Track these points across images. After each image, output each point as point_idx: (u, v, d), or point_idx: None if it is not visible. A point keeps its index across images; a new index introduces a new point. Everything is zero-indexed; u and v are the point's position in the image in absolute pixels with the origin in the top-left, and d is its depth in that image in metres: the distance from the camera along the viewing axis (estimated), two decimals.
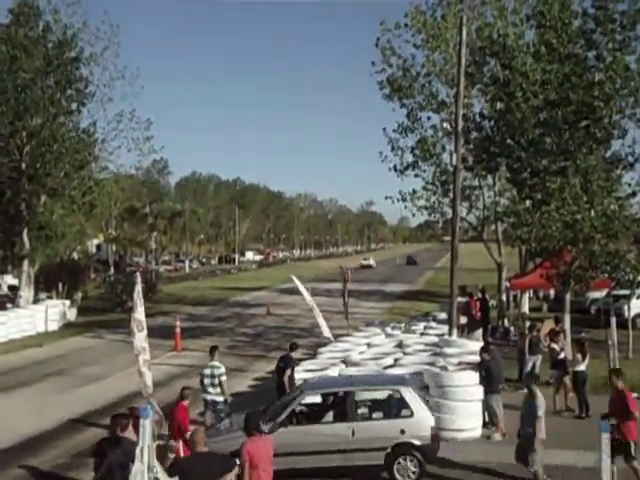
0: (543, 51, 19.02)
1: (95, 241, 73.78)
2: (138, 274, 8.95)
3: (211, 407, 12.53)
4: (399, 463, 10.46)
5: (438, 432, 11.13)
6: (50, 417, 15.36)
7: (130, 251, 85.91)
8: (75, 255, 53.08)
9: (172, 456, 7.36)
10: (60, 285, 38.60)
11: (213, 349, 13.31)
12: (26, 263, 32.85)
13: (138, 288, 8.20)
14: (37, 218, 32.50)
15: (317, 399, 11.65)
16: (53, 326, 31.00)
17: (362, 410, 11.07)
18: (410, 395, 10.74)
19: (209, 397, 12.53)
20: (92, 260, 59.28)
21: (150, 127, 33.87)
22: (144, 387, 8.00)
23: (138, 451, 6.94)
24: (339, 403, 10.99)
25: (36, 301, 33.66)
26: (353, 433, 10.31)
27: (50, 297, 36.21)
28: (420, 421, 10.74)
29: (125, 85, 32.54)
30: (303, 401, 10.94)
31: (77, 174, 32.96)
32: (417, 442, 10.53)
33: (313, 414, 11.04)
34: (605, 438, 6.50)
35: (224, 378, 12.52)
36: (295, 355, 14.18)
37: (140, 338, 7.89)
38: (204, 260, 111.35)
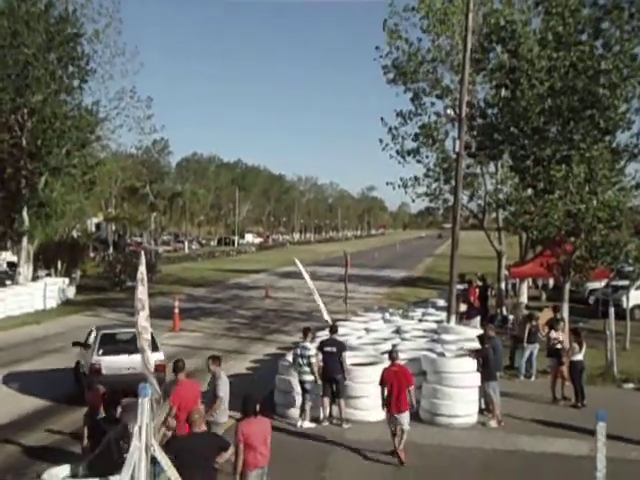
0: (550, 38, 18.86)
1: (95, 220, 73.73)
2: (142, 253, 8.90)
3: (300, 387, 12.93)
4: None
5: None
6: (47, 394, 15.40)
7: (130, 231, 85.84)
8: (74, 233, 53.08)
9: (169, 434, 7.37)
10: (59, 263, 38.62)
11: (306, 330, 13.56)
12: (25, 240, 32.87)
13: (142, 268, 8.17)
14: (37, 195, 32.45)
15: None
16: (52, 304, 31.07)
17: None
18: None
19: (299, 377, 12.93)
20: (91, 239, 59.23)
21: (151, 105, 33.91)
22: (144, 366, 8.02)
23: (136, 429, 6.94)
24: None
25: (35, 278, 33.73)
26: None
27: (49, 275, 36.29)
28: None
29: (125, 62, 32.50)
30: None
31: (78, 152, 32.88)
32: None
33: None
34: (601, 427, 6.50)
35: (314, 360, 12.74)
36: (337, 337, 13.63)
37: (142, 317, 7.89)
38: (203, 241, 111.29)
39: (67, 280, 34.90)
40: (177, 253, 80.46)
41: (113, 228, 77.34)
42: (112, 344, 15.13)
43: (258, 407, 8.02)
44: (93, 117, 32.79)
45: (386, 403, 11.03)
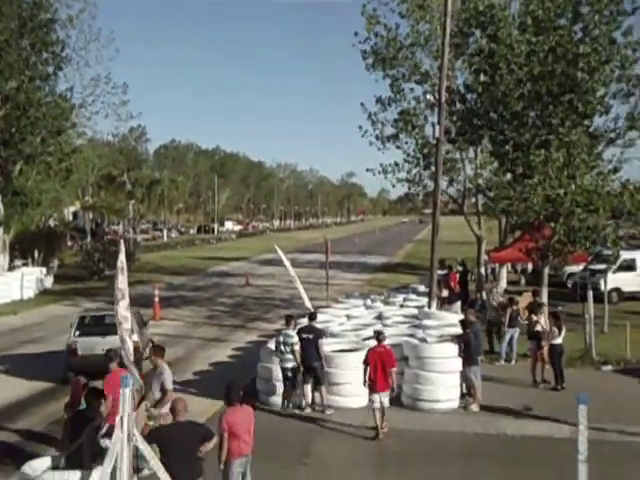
0: (529, 23, 18.89)
1: (72, 208, 72.86)
2: (122, 242, 8.76)
3: (282, 374, 12.98)
4: None
5: None
6: (26, 384, 15.23)
7: (108, 219, 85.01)
8: (51, 222, 52.43)
9: (151, 424, 7.30)
10: (36, 252, 38.13)
11: (289, 318, 13.67)
12: (1, 230, 32.38)
13: (122, 257, 8.05)
14: (12, 184, 31.95)
15: None
16: (29, 293, 30.69)
17: None
18: None
19: (281, 364, 12.96)
20: (69, 227, 58.51)
21: (127, 91, 33.53)
22: (125, 356, 7.92)
23: (118, 420, 6.87)
24: None
25: (11, 268, 33.27)
26: None
27: (26, 264, 35.78)
28: None
29: (100, 48, 32.07)
30: None
31: (54, 140, 32.39)
32: None
33: None
34: (582, 409, 6.53)
35: (297, 347, 12.79)
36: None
37: (122, 307, 7.77)
38: (183, 229, 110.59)
39: (44, 270, 34.49)
40: (156, 241, 79.87)
41: (90, 217, 76.49)
42: (88, 326, 15.86)
43: (241, 395, 7.98)
44: (68, 104, 32.32)
45: (369, 382, 11.61)
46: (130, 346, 8.11)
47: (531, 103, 19.27)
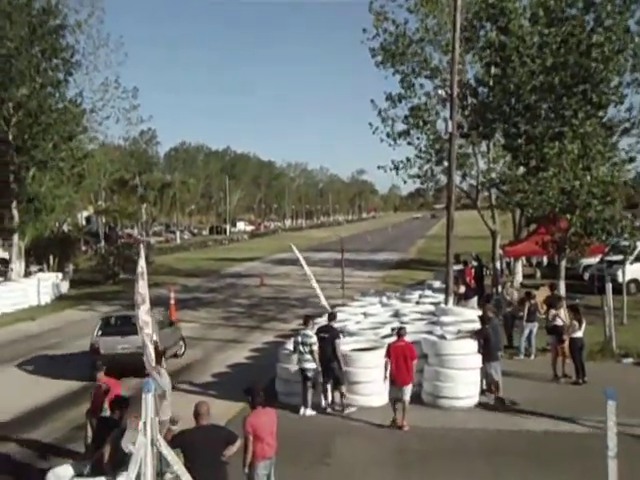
0: (541, 14, 18.72)
1: (85, 213, 73.24)
2: (142, 247, 8.74)
3: (301, 374, 12.93)
4: None
5: None
6: (47, 391, 15.29)
7: (121, 223, 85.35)
8: (65, 227, 52.69)
9: (174, 428, 7.29)
10: (51, 258, 38.34)
11: (307, 318, 13.70)
12: (16, 236, 32.59)
13: (142, 262, 8.02)
14: (26, 190, 32.13)
15: None
16: (46, 299, 30.83)
17: None
18: None
19: (300, 365, 12.92)
20: (82, 232, 58.80)
21: (137, 95, 33.61)
22: (147, 361, 7.89)
23: (141, 425, 6.86)
24: None
25: (27, 274, 33.47)
26: None
27: (41, 270, 35.99)
28: None
29: (109, 53, 32.13)
30: None
31: (65, 145, 32.54)
32: None
33: None
34: (611, 405, 6.46)
35: (315, 347, 12.76)
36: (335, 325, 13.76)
37: (142, 311, 7.76)
38: (195, 231, 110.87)
39: (60, 275, 34.65)
40: (169, 244, 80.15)
41: (103, 221, 76.85)
42: (110, 326, 17.02)
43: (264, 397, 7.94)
44: (78, 109, 32.45)
45: (391, 376, 11.84)
46: (152, 351, 8.09)
47: (544, 95, 19.12)
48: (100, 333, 16.56)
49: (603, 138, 18.28)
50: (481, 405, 12.96)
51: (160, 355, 15.22)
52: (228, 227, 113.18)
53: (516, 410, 12.61)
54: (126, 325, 16.31)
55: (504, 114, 20.08)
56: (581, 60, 18.28)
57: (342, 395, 12.80)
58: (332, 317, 13.78)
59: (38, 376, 16.91)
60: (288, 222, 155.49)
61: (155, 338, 14.36)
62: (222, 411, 12.22)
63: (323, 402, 13.06)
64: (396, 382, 11.83)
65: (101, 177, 71.01)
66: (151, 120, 60.75)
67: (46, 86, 31.33)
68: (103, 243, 59.15)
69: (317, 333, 13.10)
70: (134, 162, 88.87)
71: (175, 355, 18.32)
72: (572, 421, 11.81)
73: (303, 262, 18.24)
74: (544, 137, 19.16)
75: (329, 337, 12.88)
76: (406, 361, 11.80)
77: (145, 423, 6.88)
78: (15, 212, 32.17)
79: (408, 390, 11.83)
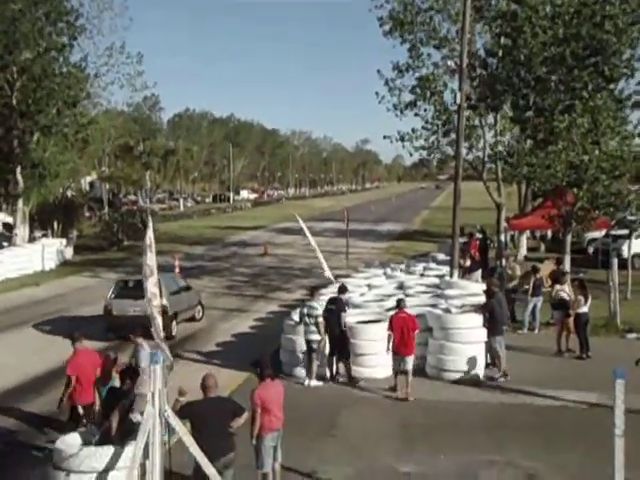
0: None
1: (88, 178, 72.96)
2: (150, 219, 8.66)
3: (306, 345, 12.94)
4: None
5: None
6: (53, 357, 15.35)
7: (125, 189, 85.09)
8: (69, 193, 52.56)
9: (182, 399, 7.32)
10: (55, 223, 38.34)
11: (314, 289, 13.83)
12: (21, 201, 32.56)
13: (150, 233, 7.96)
14: (30, 156, 31.99)
15: None
16: (50, 265, 30.91)
17: None
18: None
19: (305, 336, 12.94)
20: (87, 198, 58.67)
21: (142, 61, 33.27)
22: (155, 332, 7.89)
23: (149, 395, 6.90)
24: None
25: (32, 239, 33.52)
26: None
27: (45, 235, 36.05)
28: None
29: (114, 17, 31.81)
30: None
31: (70, 111, 32.31)
32: None
33: None
34: (620, 384, 6.46)
35: (321, 319, 12.77)
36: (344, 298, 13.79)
37: (150, 283, 7.73)
38: (198, 198, 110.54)
39: (64, 241, 34.66)
40: (172, 211, 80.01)
41: (107, 187, 76.63)
42: (123, 290, 17.68)
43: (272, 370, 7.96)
44: (82, 73, 32.15)
45: (394, 346, 12.09)
46: (160, 323, 8.08)
47: (555, 67, 18.83)
48: (114, 296, 17.34)
49: (613, 112, 18.05)
50: (485, 379, 13.02)
51: (171, 319, 16.70)
52: (231, 195, 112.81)
53: (520, 384, 12.65)
54: (139, 289, 16.42)
55: (513, 86, 19.80)
56: (594, 32, 17.98)
57: (347, 367, 12.87)
58: (342, 290, 13.80)
59: (43, 343, 16.99)
60: (292, 191, 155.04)
61: (165, 302, 15.79)
62: (226, 381, 12.26)
63: (328, 373, 13.13)
64: (399, 353, 12.10)
65: (105, 142, 70.65)
66: (155, 86, 60.14)
67: (50, 50, 30.99)
68: (107, 209, 59.05)
69: (327, 304, 13.16)
70: (137, 128, 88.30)
71: (193, 319, 19.03)
72: (576, 396, 11.85)
73: (308, 234, 18.20)
74: (554, 110, 18.93)
75: (335, 309, 12.93)
76: (408, 332, 12.07)
77: (153, 394, 6.91)
78: (19, 177, 32.09)
79: (410, 360, 12.13)
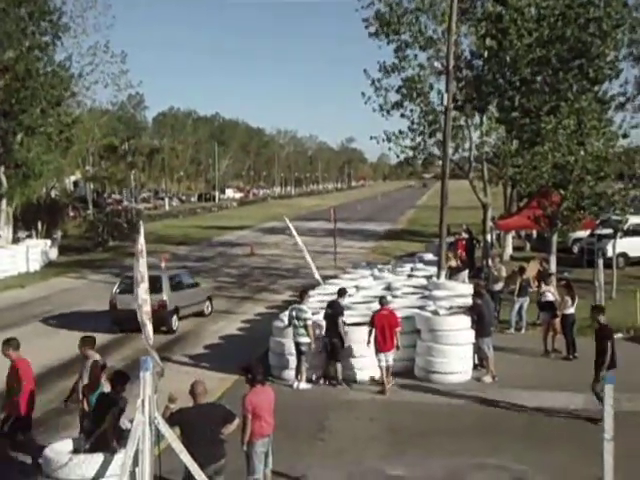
0: None
1: (72, 178, 72.37)
2: (141, 225, 8.56)
3: (295, 348, 12.98)
4: None
5: None
6: (39, 361, 15.18)
7: (110, 188, 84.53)
8: (53, 193, 52.11)
9: (172, 406, 7.28)
10: (39, 224, 38.00)
11: (303, 292, 13.75)
12: (4, 202, 32.25)
13: (141, 240, 7.90)
14: (14, 156, 31.70)
15: None
16: (35, 266, 30.63)
17: None
18: None
19: (294, 339, 12.96)
20: (71, 198, 58.20)
21: (126, 60, 33.13)
22: (145, 339, 7.84)
23: (139, 403, 6.85)
24: None
25: (16, 240, 33.20)
26: None
27: (30, 236, 35.72)
28: None
29: (97, 15, 31.64)
30: None
31: (53, 110, 32.04)
32: None
33: None
34: (609, 389, 6.52)
35: (309, 322, 12.85)
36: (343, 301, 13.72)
37: (141, 289, 7.69)
38: (184, 198, 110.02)
39: (49, 242, 34.36)
40: (157, 210, 79.62)
41: (91, 187, 76.09)
42: (128, 285, 17.52)
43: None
44: (66, 73, 31.92)
45: (376, 342, 12.49)
46: (150, 330, 8.03)
47: (540, 69, 18.97)
48: (119, 290, 17.83)
49: (598, 113, 18.20)
50: (473, 380, 13.07)
51: (171, 314, 17.61)
52: (217, 194, 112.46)
53: (508, 385, 12.72)
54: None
55: (499, 87, 19.91)
56: (579, 34, 18.12)
57: (336, 371, 12.87)
58: (341, 293, 13.76)
59: (29, 346, 16.77)
60: (277, 190, 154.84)
61: (165, 298, 17.07)
62: (215, 385, 12.26)
63: (314, 376, 13.12)
64: (381, 349, 12.42)
65: (89, 142, 70.13)
66: (140, 85, 60.01)
67: (33, 49, 30.76)
68: (92, 209, 58.61)
69: (325, 308, 13.29)
70: (122, 127, 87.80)
71: (202, 314, 19.61)
72: (564, 397, 11.94)
73: (296, 235, 18.18)
74: (539, 111, 19.06)
75: (332, 313, 12.98)
76: (390, 329, 12.42)
77: (143, 401, 6.87)
78: (3, 178, 31.79)
79: (391, 355, 12.53)
